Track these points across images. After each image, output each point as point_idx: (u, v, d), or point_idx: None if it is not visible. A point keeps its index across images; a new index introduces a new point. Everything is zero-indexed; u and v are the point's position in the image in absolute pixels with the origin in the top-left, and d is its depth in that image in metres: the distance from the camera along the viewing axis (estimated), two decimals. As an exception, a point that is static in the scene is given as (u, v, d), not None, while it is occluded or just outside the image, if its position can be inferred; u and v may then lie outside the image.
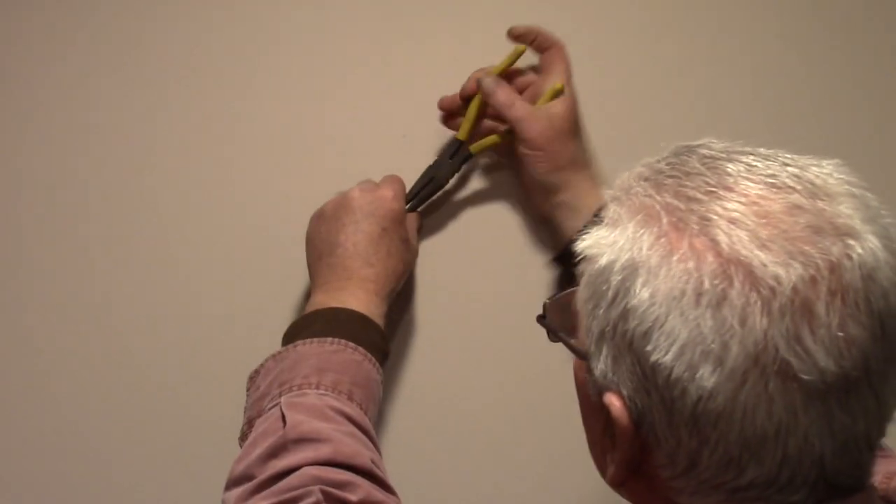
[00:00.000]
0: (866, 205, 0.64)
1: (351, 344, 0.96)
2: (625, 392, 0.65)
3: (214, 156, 1.10)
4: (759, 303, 0.59)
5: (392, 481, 0.87)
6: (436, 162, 1.11)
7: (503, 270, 1.14)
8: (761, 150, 0.67)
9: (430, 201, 1.11)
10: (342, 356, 0.95)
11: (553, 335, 0.75)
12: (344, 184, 1.06)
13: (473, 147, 1.10)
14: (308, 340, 0.96)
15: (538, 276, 1.12)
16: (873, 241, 0.62)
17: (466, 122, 1.10)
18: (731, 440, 0.61)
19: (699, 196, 0.63)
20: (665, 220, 0.63)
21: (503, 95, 1.06)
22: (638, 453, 0.66)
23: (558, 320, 0.75)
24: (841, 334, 0.60)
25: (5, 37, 1.08)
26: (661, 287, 0.62)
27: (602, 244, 0.66)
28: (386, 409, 1.09)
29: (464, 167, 1.11)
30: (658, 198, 0.65)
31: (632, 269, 0.63)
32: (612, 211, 0.67)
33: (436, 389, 1.12)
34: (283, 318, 1.05)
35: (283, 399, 0.91)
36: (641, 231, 0.64)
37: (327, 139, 1.12)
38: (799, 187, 0.63)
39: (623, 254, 0.64)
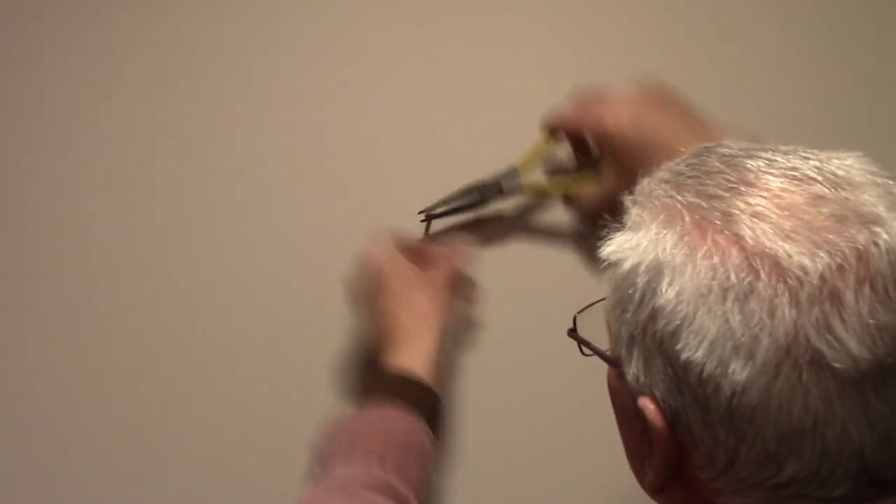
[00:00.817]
0: (890, 192, 0.64)
1: (389, 405, 0.96)
2: (658, 394, 0.64)
3: (242, 155, 1.11)
4: (786, 294, 0.59)
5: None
6: (487, 179, 1.10)
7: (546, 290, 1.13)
8: (781, 146, 0.67)
9: (459, 213, 1.11)
10: (379, 421, 0.96)
11: (584, 347, 0.75)
12: (374, 179, 1.10)
13: (519, 163, 1.10)
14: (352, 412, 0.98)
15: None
16: None
17: (531, 158, 1.10)
18: (768, 435, 0.61)
19: (721, 193, 0.64)
20: (688, 219, 0.63)
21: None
22: (675, 456, 0.65)
23: (589, 332, 0.75)
24: (872, 321, 0.59)
25: (14, 38, 1.10)
26: (687, 285, 0.61)
27: (626, 248, 0.66)
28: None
29: (508, 197, 1.11)
30: (679, 198, 0.65)
31: (657, 270, 0.63)
32: (633, 214, 0.67)
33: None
34: (284, 317, 1.08)
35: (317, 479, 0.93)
36: (664, 231, 0.64)
37: (358, 135, 1.12)
38: (820, 178, 0.63)
39: (647, 255, 0.64)
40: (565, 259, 1.13)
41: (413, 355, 1.00)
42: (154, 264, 1.09)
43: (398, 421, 0.96)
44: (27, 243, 1.08)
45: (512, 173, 1.11)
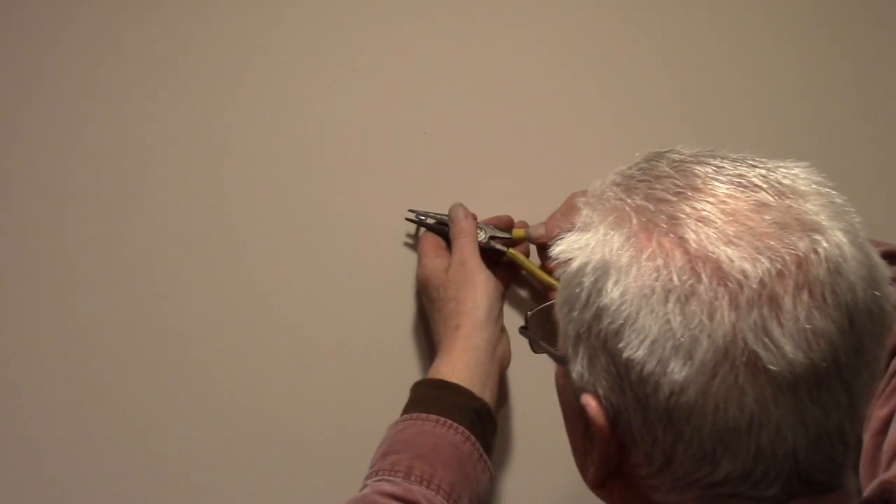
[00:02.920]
0: (833, 202, 0.66)
1: (420, 415, 1.00)
2: (601, 392, 0.66)
3: (235, 154, 1.11)
4: (727, 297, 0.61)
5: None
6: (484, 223, 1.13)
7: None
8: (730, 153, 0.69)
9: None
10: (407, 432, 0.99)
11: (534, 345, 0.77)
12: (365, 179, 1.11)
13: (517, 233, 1.14)
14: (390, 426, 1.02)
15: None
16: (840, 237, 0.63)
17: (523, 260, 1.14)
18: (705, 434, 0.62)
19: (668, 197, 0.65)
20: (635, 221, 0.65)
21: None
22: (616, 453, 0.67)
23: (540, 331, 0.76)
24: (808, 326, 0.61)
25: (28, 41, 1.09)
26: (631, 285, 0.63)
27: (574, 248, 0.67)
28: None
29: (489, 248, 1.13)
30: (629, 200, 0.66)
31: (603, 270, 0.64)
32: (584, 215, 0.68)
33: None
34: (275, 316, 1.09)
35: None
36: (612, 233, 0.65)
37: (350, 135, 1.13)
38: (766, 186, 0.65)
39: (595, 255, 0.65)
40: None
41: (451, 361, 1.04)
42: (152, 264, 1.09)
43: (427, 431, 0.99)
44: (28, 243, 1.08)
45: (507, 236, 1.14)
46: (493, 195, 1.15)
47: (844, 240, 0.63)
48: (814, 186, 0.66)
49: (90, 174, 1.08)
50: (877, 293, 0.64)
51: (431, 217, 1.13)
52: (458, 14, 1.16)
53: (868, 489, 0.79)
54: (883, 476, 0.79)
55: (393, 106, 1.14)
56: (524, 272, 1.15)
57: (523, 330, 0.78)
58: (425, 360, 1.13)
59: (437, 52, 1.16)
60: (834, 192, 0.67)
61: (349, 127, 1.13)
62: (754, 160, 0.68)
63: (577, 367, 0.67)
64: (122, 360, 1.07)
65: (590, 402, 0.66)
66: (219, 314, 1.10)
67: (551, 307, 0.72)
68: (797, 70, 1.24)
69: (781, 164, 0.68)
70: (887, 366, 0.93)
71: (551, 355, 0.73)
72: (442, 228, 1.13)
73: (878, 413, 0.90)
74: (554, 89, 1.17)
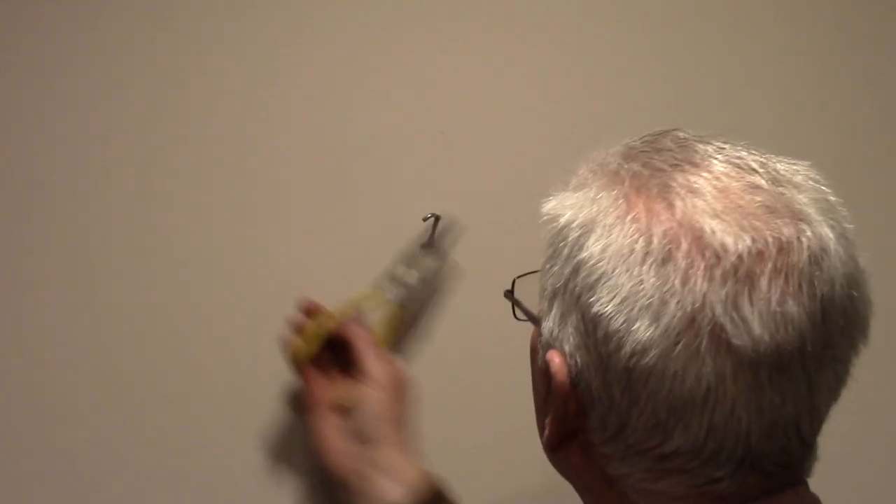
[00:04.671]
0: (826, 199, 0.66)
1: None
2: (567, 349, 0.66)
3: (248, 156, 1.11)
4: (702, 266, 0.61)
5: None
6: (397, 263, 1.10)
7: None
8: (738, 141, 0.69)
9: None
10: None
11: (515, 308, 0.77)
12: (383, 178, 1.10)
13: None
14: None
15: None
16: (827, 231, 0.64)
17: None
18: (660, 401, 0.62)
19: (664, 167, 0.66)
20: (627, 184, 0.65)
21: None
22: (573, 414, 0.67)
23: (523, 295, 0.77)
24: (779, 310, 0.61)
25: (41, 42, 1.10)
26: (612, 243, 0.63)
27: (565, 205, 0.68)
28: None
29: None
30: (626, 165, 0.67)
31: (589, 227, 0.65)
32: (580, 175, 0.69)
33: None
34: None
35: None
36: (603, 193, 0.66)
37: (367, 135, 1.13)
38: (762, 171, 0.65)
39: (582, 212, 0.66)
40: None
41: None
42: (165, 263, 1.09)
43: None
44: (32, 243, 1.08)
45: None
46: (510, 194, 1.14)
47: (831, 235, 0.64)
48: (811, 183, 0.67)
49: (93, 173, 1.08)
50: (854, 293, 0.64)
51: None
52: (476, 12, 1.16)
53: None
54: None
55: (410, 105, 1.14)
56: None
57: (508, 293, 0.79)
58: (440, 360, 1.13)
59: (455, 51, 1.16)
60: (830, 192, 0.67)
61: (367, 126, 1.13)
62: (758, 150, 0.68)
63: (549, 324, 0.68)
64: (124, 359, 1.08)
65: (553, 358, 0.66)
66: (238, 315, 1.09)
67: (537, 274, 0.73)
68: (800, 69, 1.23)
69: (784, 159, 0.68)
70: None
71: (528, 316, 0.73)
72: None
73: None
74: (571, 88, 1.17)
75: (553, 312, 0.67)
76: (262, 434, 1.09)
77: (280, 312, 1.06)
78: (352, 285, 1.08)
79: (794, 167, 0.67)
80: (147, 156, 1.09)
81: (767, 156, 0.68)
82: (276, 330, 1.05)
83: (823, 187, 0.67)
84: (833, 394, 0.65)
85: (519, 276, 0.79)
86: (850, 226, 0.67)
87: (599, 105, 1.16)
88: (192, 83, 1.10)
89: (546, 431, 0.69)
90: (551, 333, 0.67)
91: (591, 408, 0.66)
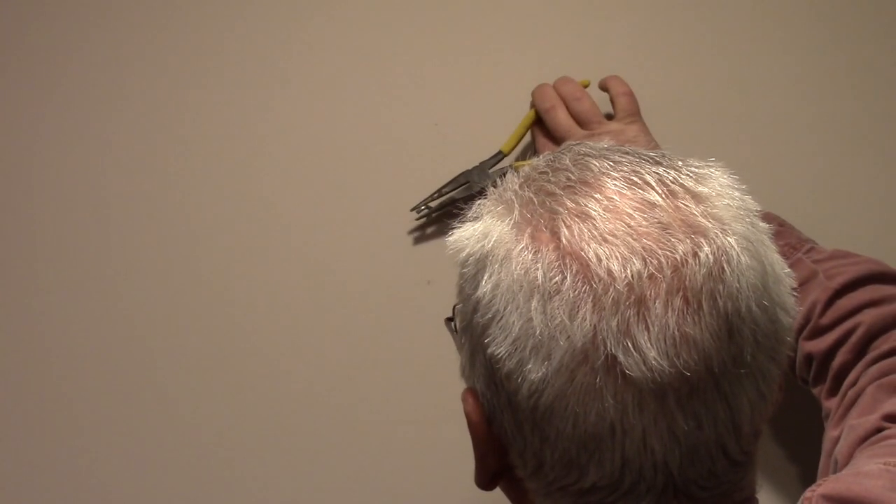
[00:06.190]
0: (738, 207, 0.62)
1: None
2: (479, 388, 0.64)
3: (244, 150, 1.12)
4: (590, 297, 0.58)
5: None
6: (474, 168, 1.12)
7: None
8: (648, 152, 0.66)
9: (453, 204, 1.11)
10: None
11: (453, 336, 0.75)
12: (377, 171, 1.11)
13: (505, 146, 1.11)
14: None
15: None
16: (730, 242, 0.60)
17: (513, 137, 1.12)
18: (568, 438, 0.60)
19: (556, 191, 0.63)
20: (516, 213, 0.63)
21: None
22: (494, 453, 0.65)
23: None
24: (678, 333, 0.57)
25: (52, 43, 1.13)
26: (503, 279, 0.61)
27: (462, 238, 0.65)
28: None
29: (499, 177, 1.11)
30: (520, 192, 0.64)
31: (482, 263, 0.63)
32: (476, 205, 0.67)
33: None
34: (290, 311, 1.09)
35: None
36: (495, 224, 0.63)
37: (361, 127, 1.13)
38: (657, 185, 0.61)
39: (476, 246, 0.64)
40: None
41: None
42: (172, 262, 1.11)
43: None
44: (36, 243, 1.11)
45: (498, 157, 1.12)
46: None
47: (735, 246, 0.60)
48: (720, 189, 0.63)
49: (96, 173, 1.10)
50: (765, 302, 0.60)
51: (433, 200, 1.11)
52: (469, 4, 1.15)
53: None
54: (805, 493, 0.74)
55: (404, 97, 1.14)
56: None
57: (448, 321, 0.76)
58: (436, 360, 1.12)
59: (449, 43, 1.15)
60: (747, 198, 0.63)
61: (361, 119, 1.13)
62: (664, 159, 0.64)
63: (462, 362, 0.66)
64: (126, 359, 1.10)
65: (467, 399, 0.65)
66: (233, 314, 1.11)
67: None
68: (796, 69, 1.19)
69: (695, 165, 0.64)
70: (836, 388, 0.88)
71: (457, 348, 0.71)
72: (450, 209, 1.10)
73: (831, 434, 0.85)
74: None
75: (465, 350, 0.66)
76: (262, 434, 1.10)
77: (276, 302, 1.08)
78: (347, 278, 1.10)
79: (704, 172, 0.64)
80: (148, 155, 1.11)
81: (675, 164, 0.64)
82: (271, 321, 1.07)
83: (736, 193, 0.63)
84: (758, 410, 0.61)
85: (457, 304, 0.77)
86: (762, 226, 0.63)
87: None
88: (193, 83, 1.12)
89: (475, 471, 0.67)
90: (464, 371, 0.66)
91: (509, 446, 0.64)
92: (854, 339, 0.91)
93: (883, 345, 0.90)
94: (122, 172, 1.11)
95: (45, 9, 1.12)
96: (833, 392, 0.91)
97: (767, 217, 0.98)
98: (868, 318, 0.92)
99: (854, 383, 0.89)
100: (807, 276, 0.97)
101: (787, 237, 1.02)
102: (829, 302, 0.94)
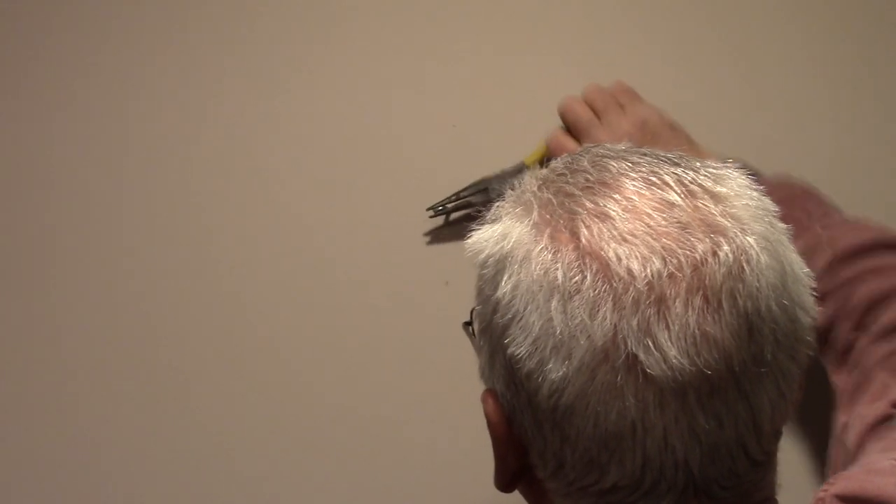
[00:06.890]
0: (756, 207, 0.62)
1: None
2: (499, 389, 0.64)
3: (263, 150, 1.13)
4: (610, 296, 0.58)
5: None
6: (494, 176, 1.12)
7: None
8: (665, 153, 0.66)
9: (472, 208, 1.12)
10: None
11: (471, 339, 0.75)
12: (396, 172, 1.12)
13: (529, 159, 1.12)
14: None
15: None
16: (749, 241, 0.60)
17: (536, 153, 1.12)
18: (589, 438, 0.60)
19: (575, 192, 0.63)
20: (535, 215, 0.63)
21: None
22: (515, 453, 0.65)
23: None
24: (698, 332, 0.58)
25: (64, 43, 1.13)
26: (522, 280, 0.61)
27: (482, 240, 0.66)
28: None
29: None
30: (539, 194, 0.64)
31: (501, 264, 0.63)
32: (496, 206, 0.67)
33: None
34: (309, 309, 1.10)
35: None
36: (515, 225, 0.64)
37: (380, 129, 1.14)
38: (676, 185, 0.62)
39: (495, 248, 0.64)
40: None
41: None
42: (178, 258, 1.12)
43: None
44: (45, 239, 1.11)
45: (520, 168, 1.11)
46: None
47: (755, 245, 0.60)
48: (738, 190, 0.63)
49: (96, 172, 1.11)
50: (785, 302, 0.60)
51: (450, 202, 1.12)
52: (488, 6, 1.16)
53: None
54: (818, 493, 0.74)
55: (422, 99, 1.15)
56: None
57: (466, 325, 0.77)
58: (454, 361, 1.12)
59: (467, 44, 1.16)
60: (765, 199, 0.64)
61: (379, 120, 1.14)
62: (682, 160, 0.65)
63: (482, 363, 0.66)
64: (123, 359, 1.10)
65: (487, 400, 0.65)
66: (250, 315, 1.11)
67: None
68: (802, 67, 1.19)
69: (712, 166, 0.64)
70: (841, 362, 0.89)
71: (476, 352, 0.71)
72: (467, 209, 1.11)
73: (840, 418, 0.86)
74: (583, 84, 1.15)
75: (484, 352, 0.66)
76: (279, 437, 1.10)
77: (297, 300, 1.08)
78: (365, 279, 1.10)
79: (720, 172, 0.64)
80: (150, 153, 1.11)
81: (693, 164, 0.64)
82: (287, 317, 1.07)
83: (755, 193, 0.63)
84: (778, 410, 0.61)
85: (476, 307, 0.77)
86: (781, 226, 0.63)
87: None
88: (195, 82, 1.12)
89: (495, 472, 0.67)
90: (483, 373, 0.66)
91: (529, 446, 0.64)
92: (850, 308, 0.91)
93: (882, 316, 0.90)
94: (122, 171, 1.12)
95: (48, 9, 1.12)
96: (839, 365, 0.92)
97: (792, 185, 0.98)
98: (866, 288, 0.91)
99: (859, 362, 0.89)
100: (813, 244, 0.96)
101: (807, 203, 1.01)
102: (828, 268, 0.94)
